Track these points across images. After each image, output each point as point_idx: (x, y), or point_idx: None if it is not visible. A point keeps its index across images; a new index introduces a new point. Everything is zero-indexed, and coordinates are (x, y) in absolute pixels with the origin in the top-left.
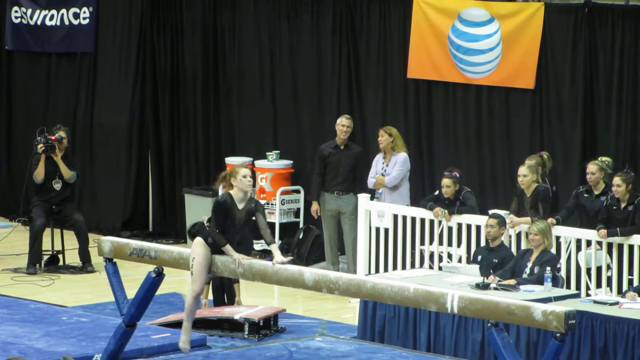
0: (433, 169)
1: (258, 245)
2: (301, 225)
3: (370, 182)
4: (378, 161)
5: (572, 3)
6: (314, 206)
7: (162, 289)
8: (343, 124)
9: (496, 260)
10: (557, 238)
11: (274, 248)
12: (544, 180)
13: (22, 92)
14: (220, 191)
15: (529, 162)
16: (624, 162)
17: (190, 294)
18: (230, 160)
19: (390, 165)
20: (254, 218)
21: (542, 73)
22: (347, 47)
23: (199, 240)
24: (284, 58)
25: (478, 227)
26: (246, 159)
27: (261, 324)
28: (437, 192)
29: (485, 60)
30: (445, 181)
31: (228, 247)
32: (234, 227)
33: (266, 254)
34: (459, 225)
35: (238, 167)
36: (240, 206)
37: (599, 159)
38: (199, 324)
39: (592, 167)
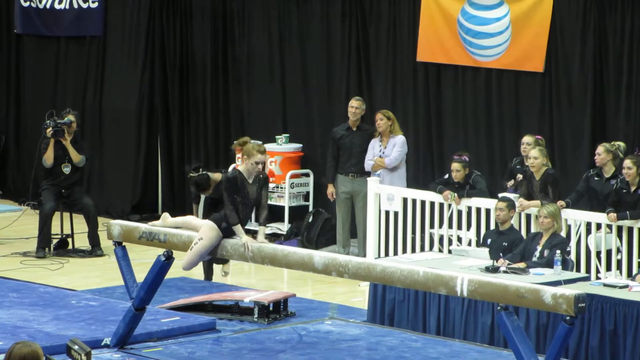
0: (443, 152)
1: (268, 229)
2: (310, 208)
3: (368, 164)
4: (374, 145)
5: None
6: (330, 189)
7: (171, 273)
8: (354, 105)
9: (506, 244)
10: (567, 221)
11: (262, 230)
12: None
13: (31, 76)
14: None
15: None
16: (634, 145)
17: (182, 264)
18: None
19: (389, 147)
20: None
21: (551, 56)
22: (356, 31)
23: (212, 224)
24: (293, 42)
25: (488, 211)
26: (256, 142)
27: (271, 307)
28: (446, 176)
29: (494, 44)
30: (455, 165)
31: (239, 228)
32: (247, 203)
33: (275, 238)
34: (469, 208)
35: (256, 150)
36: (251, 180)
37: (612, 143)
38: (209, 307)
39: (599, 149)
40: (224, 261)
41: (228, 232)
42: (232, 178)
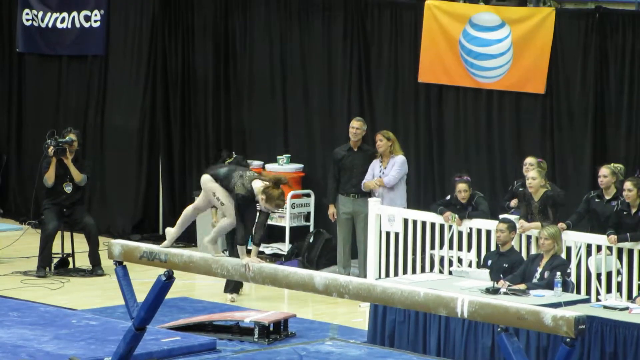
0: (443, 173)
1: (269, 250)
2: (311, 229)
3: (362, 184)
4: (375, 166)
5: (583, 8)
6: (331, 209)
7: (172, 293)
8: (355, 126)
9: (506, 265)
10: (567, 243)
11: (255, 250)
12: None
13: (33, 94)
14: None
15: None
16: (635, 167)
17: (228, 220)
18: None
19: (388, 168)
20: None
21: (552, 78)
22: (358, 51)
23: (207, 177)
24: (295, 61)
25: (488, 232)
26: (257, 163)
27: (271, 328)
28: (448, 197)
29: (496, 65)
30: (461, 186)
31: (243, 249)
32: (252, 220)
33: (276, 258)
34: (469, 229)
35: (277, 199)
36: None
37: (611, 165)
38: (209, 327)
39: (604, 171)
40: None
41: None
42: (247, 199)
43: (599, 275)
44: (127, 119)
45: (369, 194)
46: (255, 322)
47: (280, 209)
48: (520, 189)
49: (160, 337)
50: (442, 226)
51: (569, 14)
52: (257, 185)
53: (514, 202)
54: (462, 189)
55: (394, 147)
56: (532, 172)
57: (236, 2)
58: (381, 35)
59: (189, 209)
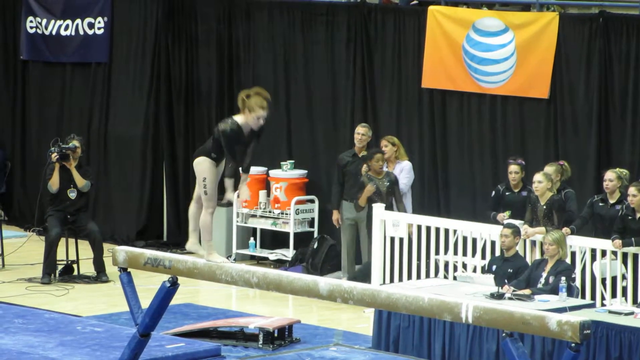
0: (448, 178)
1: (273, 256)
2: (315, 234)
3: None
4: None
5: (587, 13)
6: (335, 215)
7: (176, 299)
8: (360, 132)
9: (511, 270)
10: (572, 248)
11: (244, 178)
12: (563, 189)
13: (37, 102)
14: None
15: (548, 169)
16: (639, 172)
17: (208, 212)
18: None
19: (396, 173)
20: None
21: (556, 83)
22: (361, 57)
23: (200, 159)
24: (299, 68)
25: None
26: (260, 169)
27: (276, 334)
28: (493, 193)
29: (499, 70)
30: (513, 167)
31: (230, 182)
32: (240, 147)
33: (280, 264)
34: (474, 239)
35: (258, 104)
36: (246, 130)
37: (617, 169)
38: (213, 333)
39: (610, 175)
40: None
41: (218, 162)
42: (234, 132)
43: (603, 280)
44: (131, 126)
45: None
46: (260, 328)
47: (265, 110)
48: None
49: (165, 344)
50: (446, 231)
51: (572, 19)
52: (239, 118)
53: (500, 217)
54: (512, 171)
55: (399, 152)
56: (538, 176)
57: (239, 10)
58: (384, 41)
59: (192, 209)
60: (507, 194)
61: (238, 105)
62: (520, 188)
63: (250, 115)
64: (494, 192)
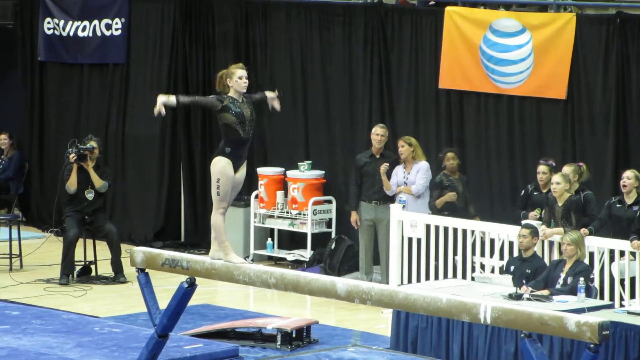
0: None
1: (290, 256)
2: (333, 235)
3: (393, 191)
4: (398, 171)
5: (604, 14)
6: (353, 216)
7: (194, 300)
8: (377, 132)
9: (529, 271)
10: (590, 248)
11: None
12: (581, 190)
13: (55, 103)
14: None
15: (566, 169)
16: None
17: (219, 213)
18: (261, 170)
19: (412, 173)
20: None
21: (574, 83)
22: (378, 58)
23: (216, 159)
24: (316, 69)
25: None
26: (278, 169)
27: (294, 334)
28: (522, 193)
29: (517, 71)
30: (541, 168)
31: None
32: (245, 125)
33: (298, 264)
34: (492, 239)
35: (234, 67)
36: (240, 100)
37: (634, 170)
38: (231, 334)
39: (628, 174)
40: None
41: (235, 155)
42: (216, 97)
43: (622, 281)
44: (148, 127)
45: (391, 200)
46: (278, 328)
47: (244, 71)
48: (544, 193)
49: (183, 344)
50: (464, 232)
51: (589, 20)
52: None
53: (532, 214)
54: (541, 171)
55: (416, 153)
56: (556, 177)
57: (256, 11)
58: (402, 42)
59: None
60: (535, 193)
61: (219, 89)
62: (548, 188)
63: (232, 81)
64: (523, 192)
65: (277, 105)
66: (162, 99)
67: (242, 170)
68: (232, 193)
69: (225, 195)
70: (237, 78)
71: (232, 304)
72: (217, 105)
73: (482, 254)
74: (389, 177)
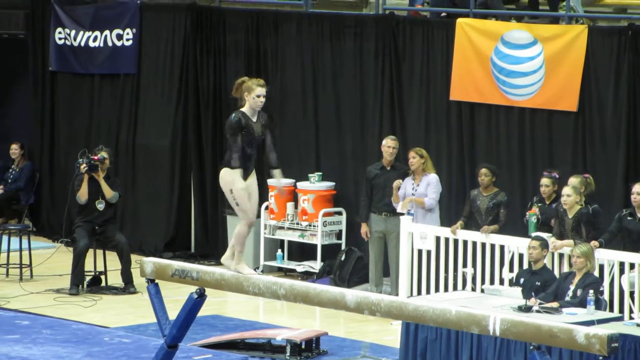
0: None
1: (300, 268)
2: (343, 247)
3: (399, 204)
4: (407, 184)
5: (616, 26)
6: (364, 228)
7: (203, 311)
8: (389, 145)
9: (538, 283)
10: (600, 261)
11: (278, 173)
12: (588, 203)
13: (66, 113)
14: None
15: (573, 181)
16: None
17: (244, 224)
18: (271, 181)
19: (422, 186)
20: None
21: (585, 95)
22: (389, 69)
23: (224, 171)
24: (327, 80)
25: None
26: (288, 181)
27: (303, 345)
28: (529, 205)
29: (528, 83)
30: (544, 180)
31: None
32: (253, 142)
33: (308, 276)
34: (501, 247)
35: (255, 83)
36: (254, 119)
37: None
38: (241, 345)
39: (637, 188)
40: None
41: (243, 167)
42: (236, 121)
43: (632, 294)
44: (159, 137)
45: (401, 212)
46: (287, 339)
47: (264, 90)
48: (553, 205)
49: (192, 355)
50: (474, 244)
51: (601, 32)
52: (243, 109)
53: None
54: (543, 184)
55: (426, 165)
56: (567, 189)
57: (267, 21)
58: (413, 53)
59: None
60: (539, 205)
61: (236, 96)
62: (552, 200)
63: (249, 96)
64: (529, 204)
65: (277, 176)
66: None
67: (251, 179)
68: (250, 201)
69: (245, 203)
70: (255, 96)
71: (241, 314)
72: (241, 130)
73: (492, 266)
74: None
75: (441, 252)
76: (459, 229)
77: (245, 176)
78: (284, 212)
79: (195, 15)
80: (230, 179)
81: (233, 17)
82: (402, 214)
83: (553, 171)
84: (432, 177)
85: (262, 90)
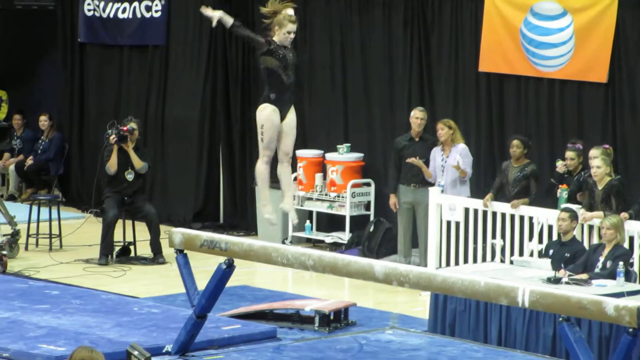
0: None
1: (329, 239)
2: (372, 218)
3: (436, 173)
4: (436, 154)
5: None
6: (392, 199)
7: (232, 281)
8: (417, 116)
9: (568, 255)
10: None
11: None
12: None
13: (95, 84)
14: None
15: (595, 152)
16: None
17: (264, 161)
18: (300, 152)
19: (451, 156)
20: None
21: (615, 67)
22: (418, 41)
23: (261, 107)
24: (355, 51)
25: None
26: (317, 152)
27: (332, 316)
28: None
29: (557, 54)
30: (568, 154)
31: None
32: (287, 67)
33: (336, 247)
34: (530, 219)
35: (288, 19)
36: (285, 47)
37: None
38: (269, 316)
39: None
40: None
41: (281, 101)
42: (268, 51)
43: None
44: (188, 108)
45: (430, 183)
46: (316, 310)
47: (295, 27)
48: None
49: (221, 325)
50: (503, 215)
51: (631, 3)
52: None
53: (579, 196)
54: (568, 157)
55: (455, 136)
56: (597, 161)
57: None
58: (442, 25)
59: (278, 169)
60: (565, 176)
61: (263, 20)
62: (578, 171)
63: (280, 31)
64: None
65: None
66: (219, 13)
67: (291, 116)
68: (288, 138)
69: (270, 142)
70: (287, 31)
71: (270, 285)
72: (263, 47)
73: (521, 238)
74: (426, 162)
75: (470, 223)
76: (489, 202)
77: (284, 112)
78: (312, 183)
79: None
80: (265, 115)
81: None
82: (432, 185)
83: (577, 142)
84: (462, 147)
85: (293, 27)
